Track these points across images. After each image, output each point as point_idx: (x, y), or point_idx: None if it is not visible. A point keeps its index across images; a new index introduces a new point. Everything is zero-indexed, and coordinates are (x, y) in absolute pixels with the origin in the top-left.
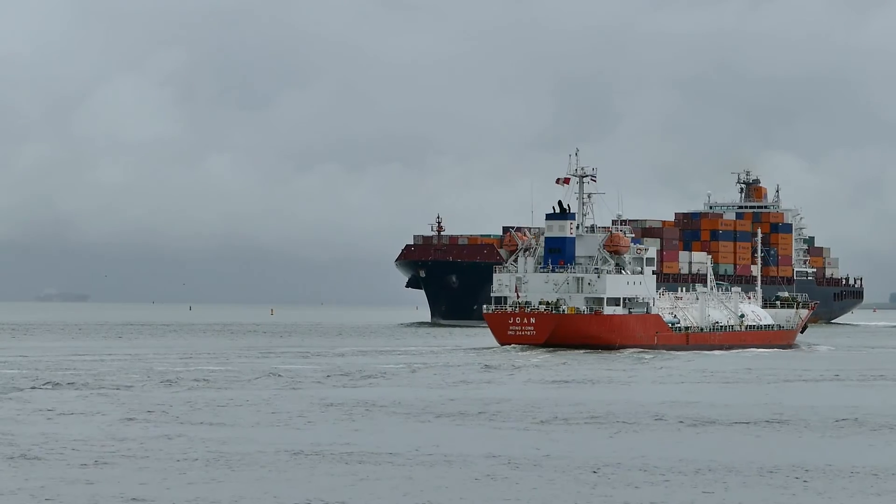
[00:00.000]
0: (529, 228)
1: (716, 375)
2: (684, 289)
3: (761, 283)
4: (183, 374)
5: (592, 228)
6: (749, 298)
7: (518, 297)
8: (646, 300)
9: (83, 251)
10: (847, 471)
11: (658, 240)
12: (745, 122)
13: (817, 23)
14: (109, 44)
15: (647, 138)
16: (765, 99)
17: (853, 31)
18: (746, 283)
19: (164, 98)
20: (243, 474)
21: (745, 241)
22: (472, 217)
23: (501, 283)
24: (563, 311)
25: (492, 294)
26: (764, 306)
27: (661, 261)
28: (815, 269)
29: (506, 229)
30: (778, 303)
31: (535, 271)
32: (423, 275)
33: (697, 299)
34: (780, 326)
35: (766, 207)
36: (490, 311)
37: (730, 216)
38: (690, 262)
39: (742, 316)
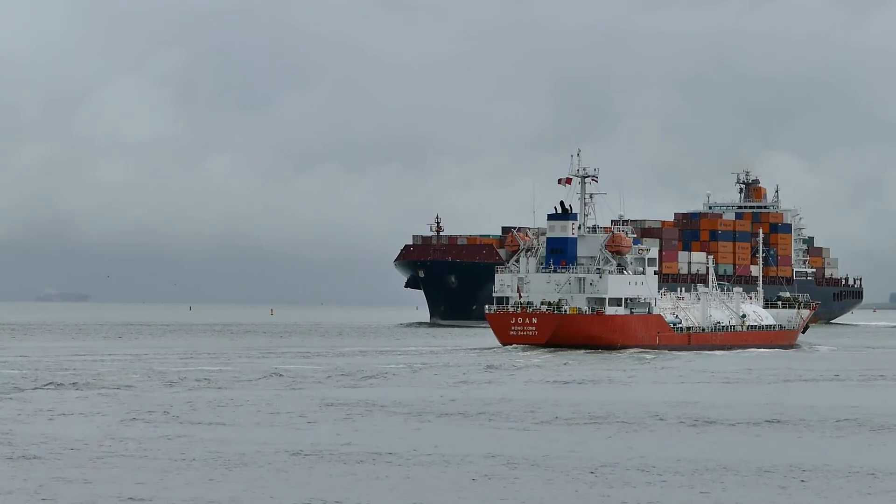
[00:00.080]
0: (529, 229)
1: (716, 376)
2: (683, 289)
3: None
4: (183, 374)
5: (594, 229)
6: (751, 299)
7: (520, 297)
8: (647, 300)
9: (83, 251)
10: (846, 471)
11: (657, 240)
12: (745, 122)
13: (817, 23)
14: (109, 44)
15: (646, 138)
16: (765, 99)
17: (853, 31)
18: (746, 283)
19: (163, 98)
20: (243, 474)
21: (744, 241)
22: (472, 217)
23: (503, 283)
24: (565, 311)
25: (494, 294)
26: (765, 306)
27: (660, 261)
28: (814, 270)
29: (505, 229)
30: (779, 303)
31: (537, 271)
32: (422, 275)
33: (699, 299)
34: (781, 327)
35: (765, 207)
36: (492, 311)
37: (729, 216)
38: (690, 263)
39: (744, 316)
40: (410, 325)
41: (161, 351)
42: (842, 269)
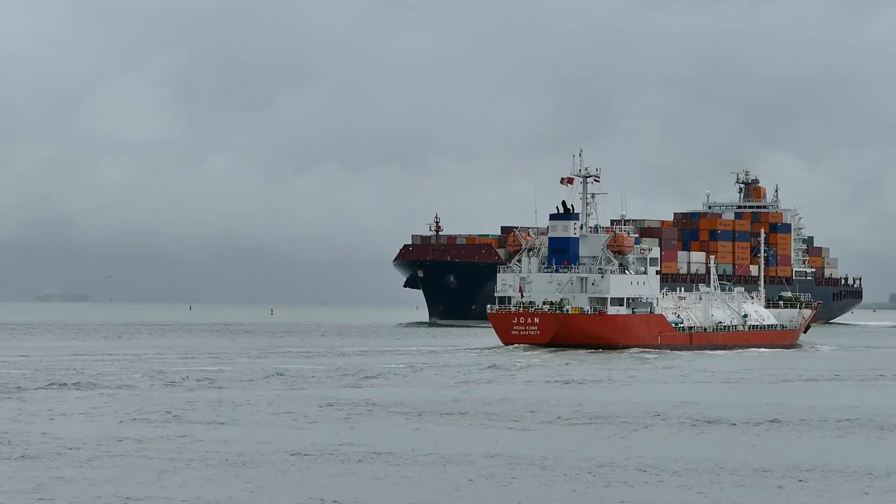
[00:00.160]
0: (531, 228)
1: (717, 375)
2: (683, 289)
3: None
4: (183, 374)
5: (596, 229)
6: (752, 298)
7: (522, 297)
8: (649, 300)
9: (83, 251)
10: (845, 471)
11: (656, 240)
12: (745, 122)
13: (817, 23)
14: (109, 44)
15: (646, 138)
16: (765, 99)
17: (853, 31)
18: (745, 282)
19: (163, 98)
20: (243, 474)
21: (743, 241)
22: (471, 217)
23: (505, 282)
24: (567, 311)
25: (496, 294)
26: (767, 306)
27: (659, 261)
28: (814, 269)
29: (504, 229)
30: (781, 303)
31: (539, 271)
32: (422, 275)
33: (701, 299)
34: (783, 326)
35: (765, 207)
36: (494, 311)
37: (729, 216)
38: (689, 262)
39: (745, 316)
40: (410, 324)
41: (161, 351)
42: (841, 268)
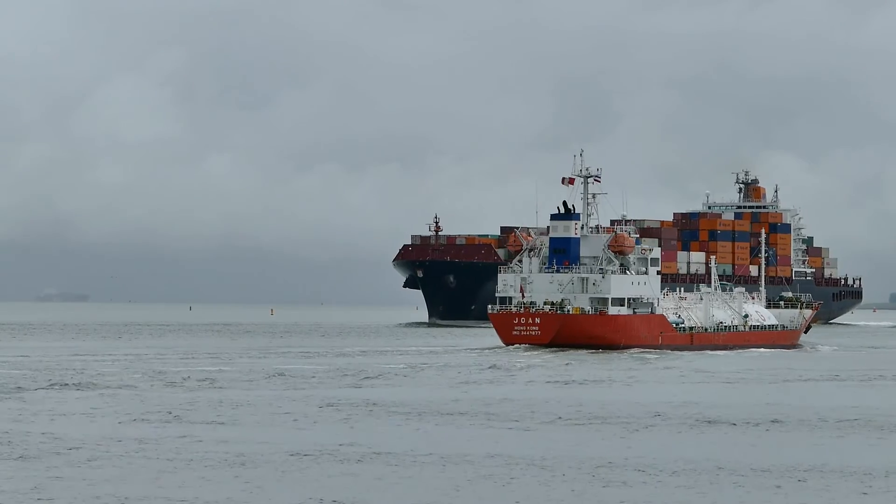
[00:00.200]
0: (531, 229)
1: (718, 376)
2: (683, 289)
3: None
4: (183, 375)
5: (597, 229)
6: (753, 299)
7: (523, 297)
8: (650, 300)
9: (83, 251)
10: (845, 471)
11: (656, 240)
12: (745, 122)
13: (817, 23)
14: (109, 44)
15: (646, 138)
16: (765, 99)
17: (853, 31)
18: (745, 283)
19: (163, 98)
20: (243, 474)
21: (743, 241)
22: (471, 217)
23: (506, 283)
24: (568, 311)
25: (497, 294)
26: (767, 307)
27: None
28: (813, 269)
29: (504, 229)
30: (782, 303)
31: (540, 271)
32: (421, 275)
33: (701, 299)
34: (783, 327)
35: (764, 207)
36: (495, 311)
37: (728, 216)
38: (689, 263)
39: (746, 316)
40: (409, 325)
41: (161, 351)
42: (841, 269)
